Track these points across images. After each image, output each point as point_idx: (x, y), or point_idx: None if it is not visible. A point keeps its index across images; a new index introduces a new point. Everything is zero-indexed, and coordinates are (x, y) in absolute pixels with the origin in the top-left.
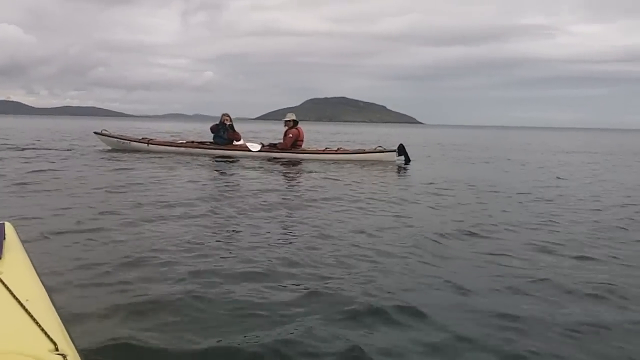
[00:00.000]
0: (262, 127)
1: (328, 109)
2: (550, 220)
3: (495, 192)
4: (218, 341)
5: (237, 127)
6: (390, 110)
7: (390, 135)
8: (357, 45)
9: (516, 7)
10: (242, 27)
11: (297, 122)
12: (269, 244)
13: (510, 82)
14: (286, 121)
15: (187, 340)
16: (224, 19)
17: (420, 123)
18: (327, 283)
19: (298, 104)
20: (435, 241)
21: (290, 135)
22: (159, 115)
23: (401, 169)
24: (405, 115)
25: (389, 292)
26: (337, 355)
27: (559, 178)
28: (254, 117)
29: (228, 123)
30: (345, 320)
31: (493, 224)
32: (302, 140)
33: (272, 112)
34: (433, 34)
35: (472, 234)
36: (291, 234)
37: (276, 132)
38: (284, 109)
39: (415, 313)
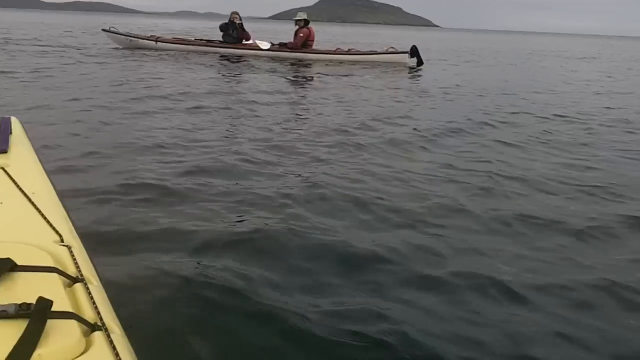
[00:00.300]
0: (274, 26)
1: (341, 9)
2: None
3: (504, 94)
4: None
5: (249, 27)
6: (406, 12)
7: (405, 38)
8: None
9: None
10: None
11: (309, 22)
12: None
13: None
14: (297, 20)
15: (186, 225)
16: None
17: (437, 26)
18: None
19: (311, 3)
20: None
21: (301, 35)
22: (170, 13)
23: (413, 70)
24: (421, 17)
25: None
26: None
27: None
28: (266, 17)
29: (237, 22)
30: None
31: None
32: (313, 40)
33: (285, 11)
34: None
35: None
36: (289, 133)
37: (288, 32)
38: (297, 8)
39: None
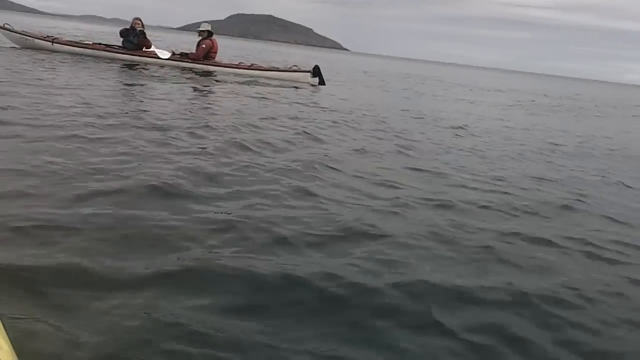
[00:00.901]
0: (183, 37)
1: (254, 26)
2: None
3: (401, 117)
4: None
5: (157, 35)
6: (317, 34)
7: (315, 58)
8: None
9: None
10: None
11: (212, 34)
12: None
13: (438, 18)
14: (200, 31)
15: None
16: None
17: (346, 49)
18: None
19: (222, 17)
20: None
21: (204, 46)
22: (75, 16)
23: (314, 89)
24: (331, 40)
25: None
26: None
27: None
28: (175, 27)
29: (139, 28)
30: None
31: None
32: (216, 53)
33: (195, 23)
34: None
35: (361, 153)
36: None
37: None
38: (207, 21)
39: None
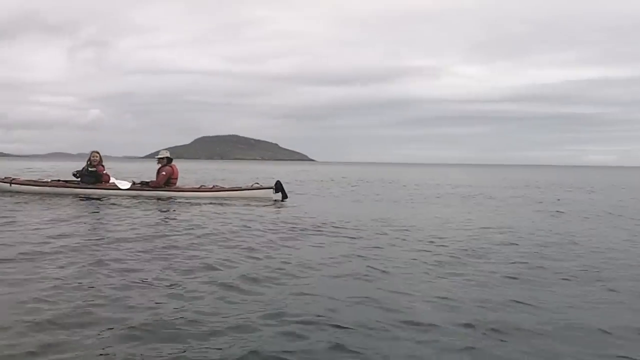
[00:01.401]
0: (150, 165)
1: (219, 146)
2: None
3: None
4: None
5: (123, 166)
6: (282, 148)
7: (275, 174)
8: (247, 85)
9: (402, 49)
10: (131, 65)
11: (171, 160)
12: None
13: (399, 121)
14: (159, 158)
15: None
16: (112, 57)
17: (312, 160)
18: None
19: (188, 142)
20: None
21: (164, 173)
22: (40, 155)
23: (277, 205)
24: (297, 152)
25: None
26: None
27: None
28: (142, 156)
29: (96, 162)
30: None
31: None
32: (177, 178)
33: (162, 150)
34: (322, 74)
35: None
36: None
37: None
38: (174, 147)
39: None
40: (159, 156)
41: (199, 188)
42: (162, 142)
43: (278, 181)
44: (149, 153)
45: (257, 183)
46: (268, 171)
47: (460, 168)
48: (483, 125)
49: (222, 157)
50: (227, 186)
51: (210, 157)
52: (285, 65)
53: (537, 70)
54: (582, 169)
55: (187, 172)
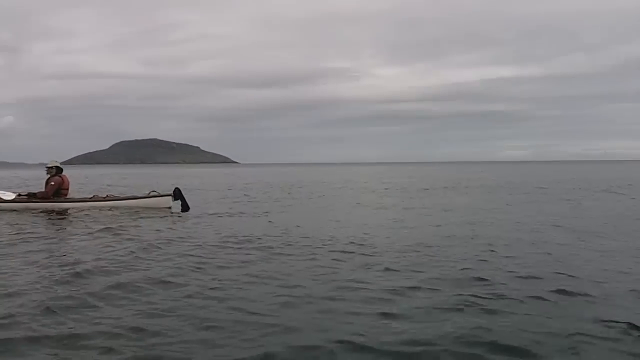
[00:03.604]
0: (69, 172)
1: (139, 151)
2: None
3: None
4: None
5: (33, 173)
6: (205, 151)
7: (181, 177)
8: (168, 88)
9: (321, 51)
10: (47, 70)
11: (62, 170)
12: None
13: (320, 122)
14: (48, 168)
15: None
16: (26, 62)
17: (235, 162)
18: None
19: (107, 147)
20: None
21: (52, 183)
22: None
23: (177, 216)
24: (220, 155)
25: None
26: None
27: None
28: (60, 162)
29: None
30: None
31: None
32: (67, 189)
33: (80, 155)
34: (243, 76)
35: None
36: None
37: (84, 176)
38: (92, 152)
39: None
40: (48, 165)
41: (91, 198)
42: (80, 146)
43: (177, 188)
44: (67, 159)
45: (155, 191)
46: (187, 174)
47: (382, 167)
48: (403, 124)
49: (143, 161)
50: (122, 195)
51: (130, 161)
52: (207, 68)
53: (453, 70)
54: (498, 164)
55: (105, 176)
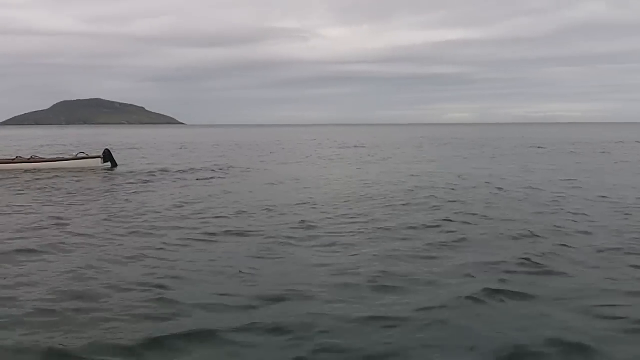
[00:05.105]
0: (4, 132)
1: (81, 111)
2: None
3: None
4: None
5: None
6: (150, 112)
7: (146, 135)
8: (111, 46)
9: (270, 11)
10: None
11: None
12: None
13: (268, 83)
14: None
15: None
16: None
17: (182, 123)
18: None
19: (47, 107)
20: None
21: None
22: None
23: (107, 172)
24: (165, 116)
25: None
26: None
27: None
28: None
29: None
30: None
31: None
32: None
33: (19, 116)
34: (190, 36)
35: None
36: None
37: (22, 137)
38: (31, 112)
39: None
40: None
41: (14, 160)
42: (19, 107)
43: (107, 149)
44: (5, 120)
45: (83, 152)
46: (128, 135)
47: (328, 128)
48: (351, 86)
49: (85, 122)
50: (48, 157)
51: (71, 122)
52: (152, 26)
53: (401, 33)
54: (441, 126)
55: (40, 138)
